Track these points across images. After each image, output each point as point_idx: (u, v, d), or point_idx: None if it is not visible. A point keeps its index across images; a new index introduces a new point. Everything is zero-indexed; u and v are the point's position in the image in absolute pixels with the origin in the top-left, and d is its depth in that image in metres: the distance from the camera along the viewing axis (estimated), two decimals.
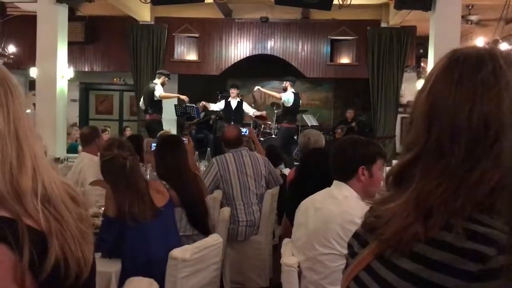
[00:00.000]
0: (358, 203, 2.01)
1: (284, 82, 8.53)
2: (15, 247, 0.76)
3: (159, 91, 8.04)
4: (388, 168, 2.32)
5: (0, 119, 0.81)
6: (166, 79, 8.34)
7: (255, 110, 9.34)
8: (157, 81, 8.21)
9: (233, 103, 8.98)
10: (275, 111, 9.34)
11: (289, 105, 8.33)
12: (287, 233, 2.71)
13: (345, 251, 1.93)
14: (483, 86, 0.75)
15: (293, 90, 8.43)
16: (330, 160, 2.21)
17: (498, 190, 0.71)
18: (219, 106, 9.14)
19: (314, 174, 3.73)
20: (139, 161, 2.64)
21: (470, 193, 0.72)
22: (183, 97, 8.55)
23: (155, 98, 8.09)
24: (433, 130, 0.77)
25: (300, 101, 8.84)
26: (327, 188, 2.22)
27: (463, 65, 0.78)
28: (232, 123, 8.54)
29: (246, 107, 9.16)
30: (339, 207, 2.02)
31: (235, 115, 8.94)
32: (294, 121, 8.66)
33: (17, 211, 0.79)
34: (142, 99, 8.46)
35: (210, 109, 9.35)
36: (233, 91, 9.01)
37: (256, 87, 9.16)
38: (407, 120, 0.85)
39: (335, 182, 2.18)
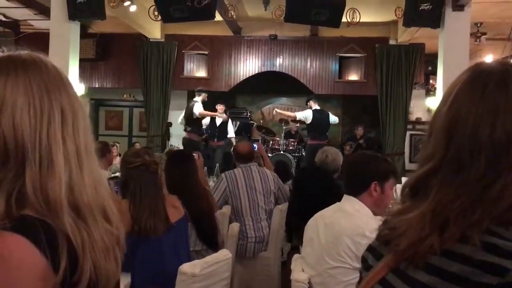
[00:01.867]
0: (369, 216, 2.01)
1: (308, 103, 8.67)
2: (49, 254, 0.72)
3: (198, 109, 8.07)
4: (398, 185, 2.32)
5: (30, 131, 0.78)
6: (206, 95, 8.39)
7: (233, 135, 9.10)
8: (198, 98, 8.22)
9: (218, 120, 8.81)
10: (284, 127, 9.37)
11: (308, 122, 8.42)
12: None
13: (357, 265, 1.92)
14: (507, 100, 0.74)
15: (316, 107, 8.49)
16: (343, 174, 2.23)
17: None
18: (204, 122, 8.86)
19: (308, 190, 3.76)
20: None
21: (489, 206, 0.71)
22: (222, 115, 8.55)
23: (193, 116, 8.10)
24: (453, 143, 0.77)
25: (331, 116, 8.62)
26: (337, 203, 2.23)
27: (486, 79, 0.78)
28: (216, 140, 8.56)
29: (229, 127, 9.00)
30: (350, 220, 2.02)
31: (219, 132, 8.80)
32: (317, 137, 8.42)
33: (54, 220, 0.76)
34: (182, 116, 8.54)
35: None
36: (220, 107, 8.74)
37: (274, 110, 9.17)
38: (426, 131, 0.85)
39: (345, 196, 2.18)
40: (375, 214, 2.03)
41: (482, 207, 0.72)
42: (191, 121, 8.21)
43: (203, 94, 8.30)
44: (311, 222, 2.29)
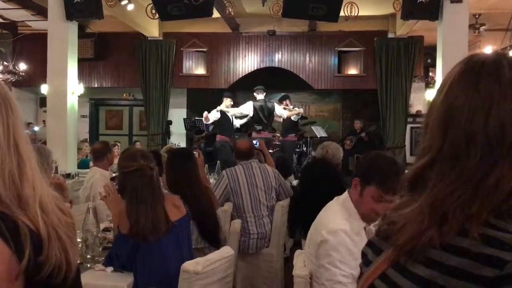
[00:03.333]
0: (338, 215, 1.99)
1: (284, 102, 8.77)
2: (13, 245, 0.80)
3: (284, 112, 8.25)
4: (372, 228, 2.23)
5: (0, 131, 0.88)
6: None
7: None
8: (261, 95, 8.11)
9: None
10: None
11: (296, 119, 8.72)
12: None
13: (318, 260, 1.91)
14: (500, 91, 0.74)
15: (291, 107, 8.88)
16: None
17: None
18: (215, 116, 8.76)
19: (314, 185, 3.74)
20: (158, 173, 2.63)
21: (486, 198, 0.71)
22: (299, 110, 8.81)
23: (274, 117, 8.24)
24: (448, 134, 0.77)
25: None
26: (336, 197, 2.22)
27: (480, 70, 0.78)
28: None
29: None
30: (321, 216, 2.06)
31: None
32: (296, 134, 9.05)
33: (19, 214, 0.84)
34: (257, 116, 8.11)
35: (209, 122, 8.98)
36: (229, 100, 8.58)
37: (285, 111, 9.31)
38: (423, 124, 0.85)
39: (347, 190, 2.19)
40: (362, 218, 1.98)
41: (480, 199, 0.72)
42: (272, 120, 8.34)
43: (264, 92, 8.26)
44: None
